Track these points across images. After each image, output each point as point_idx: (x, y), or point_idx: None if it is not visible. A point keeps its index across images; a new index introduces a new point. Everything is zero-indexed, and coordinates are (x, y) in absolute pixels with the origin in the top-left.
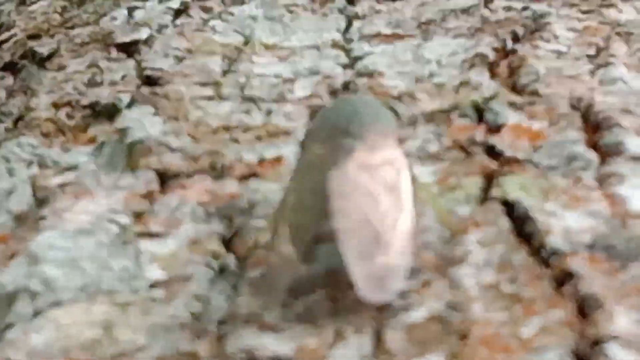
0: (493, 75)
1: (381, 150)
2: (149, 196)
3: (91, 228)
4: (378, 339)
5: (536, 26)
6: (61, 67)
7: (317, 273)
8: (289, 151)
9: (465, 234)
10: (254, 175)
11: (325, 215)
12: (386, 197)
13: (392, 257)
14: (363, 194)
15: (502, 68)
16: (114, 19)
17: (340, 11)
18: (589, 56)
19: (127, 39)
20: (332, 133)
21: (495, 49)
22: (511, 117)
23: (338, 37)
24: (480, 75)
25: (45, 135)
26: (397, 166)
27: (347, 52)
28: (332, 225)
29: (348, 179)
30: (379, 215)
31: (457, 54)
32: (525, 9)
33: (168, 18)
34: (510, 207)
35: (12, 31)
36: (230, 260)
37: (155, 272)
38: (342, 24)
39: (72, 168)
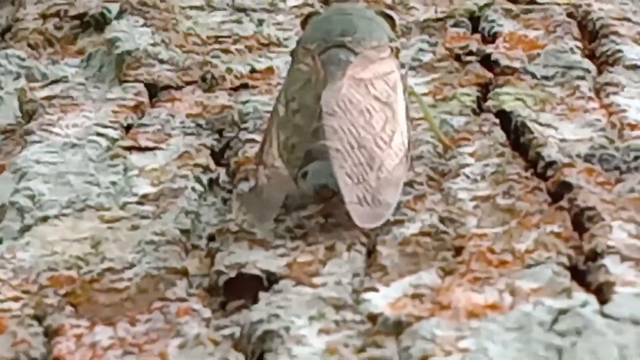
0: None
1: (376, 63)
2: (137, 109)
3: (79, 142)
4: (370, 255)
5: None
6: None
7: (309, 189)
8: (280, 62)
9: (460, 146)
10: (245, 86)
11: (318, 134)
12: (380, 113)
13: (386, 174)
14: (357, 110)
15: None
16: None
17: None
18: None
19: None
20: (324, 45)
21: None
22: (507, 26)
23: None
24: None
25: (33, 47)
26: (392, 79)
27: None
28: (325, 143)
29: (341, 95)
30: (373, 133)
31: None
32: None
33: None
34: (505, 118)
35: None
36: (221, 174)
37: (144, 187)
38: None
39: (60, 80)
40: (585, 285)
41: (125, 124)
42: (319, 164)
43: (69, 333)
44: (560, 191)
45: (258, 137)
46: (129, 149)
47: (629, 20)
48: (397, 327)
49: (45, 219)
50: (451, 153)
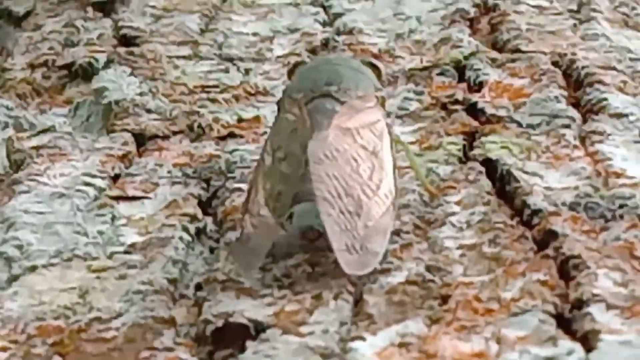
0: (474, 31)
1: (362, 112)
2: (125, 158)
3: (67, 192)
4: (357, 303)
5: None
6: (37, 27)
7: (296, 237)
8: (267, 111)
9: (446, 194)
10: (232, 135)
11: (305, 179)
12: (367, 162)
13: (373, 223)
14: (343, 159)
15: (483, 24)
16: None
17: None
18: (570, 11)
19: None
20: (311, 94)
21: (476, 5)
22: (492, 75)
23: None
24: (460, 32)
25: (21, 96)
26: (378, 128)
27: (327, 9)
28: (312, 188)
29: (328, 144)
30: (360, 181)
31: (437, 10)
32: None
33: None
34: (491, 167)
35: None
36: (208, 223)
37: (132, 237)
38: None
39: (47, 130)
40: (571, 334)
41: (112, 174)
42: (305, 205)
43: None
44: (546, 239)
45: (245, 186)
46: (117, 198)
47: (613, 68)
48: None
49: (33, 268)
50: (437, 201)
